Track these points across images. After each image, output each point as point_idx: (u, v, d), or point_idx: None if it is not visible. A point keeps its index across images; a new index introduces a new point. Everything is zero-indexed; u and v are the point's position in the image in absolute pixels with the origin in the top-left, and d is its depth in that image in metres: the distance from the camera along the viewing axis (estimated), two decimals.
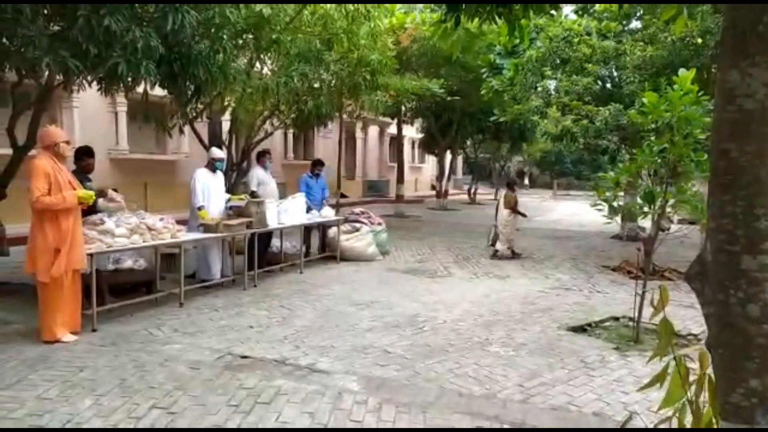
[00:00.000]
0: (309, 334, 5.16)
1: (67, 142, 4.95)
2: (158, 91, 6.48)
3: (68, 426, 3.26)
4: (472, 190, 26.08)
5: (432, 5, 13.53)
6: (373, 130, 26.05)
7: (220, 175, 7.44)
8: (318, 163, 9.70)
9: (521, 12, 3.58)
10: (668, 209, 5.22)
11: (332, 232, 9.35)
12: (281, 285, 7.30)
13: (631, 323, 5.53)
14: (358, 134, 24.34)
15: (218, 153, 7.55)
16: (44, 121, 6.96)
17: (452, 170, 26.88)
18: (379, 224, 10.00)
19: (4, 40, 4.83)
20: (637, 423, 3.49)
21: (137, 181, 12.30)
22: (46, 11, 5.00)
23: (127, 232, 5.40)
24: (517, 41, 10.88)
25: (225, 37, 6.12)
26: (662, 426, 1.87)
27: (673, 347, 1.79)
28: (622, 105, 10.66)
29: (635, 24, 12.23)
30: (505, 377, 4.24)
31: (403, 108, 17.78)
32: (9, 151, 6.47)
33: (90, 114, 11.85)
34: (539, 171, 47.49)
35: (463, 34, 4.04)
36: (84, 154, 6.02)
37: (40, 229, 4.69)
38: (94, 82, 5.75)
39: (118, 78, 5.13)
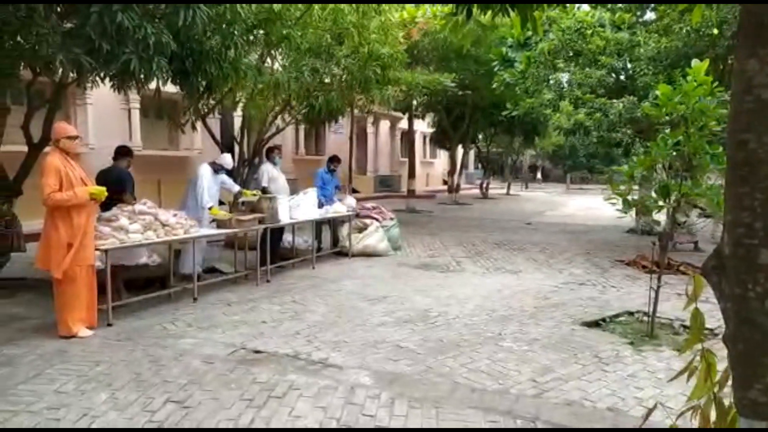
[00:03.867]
0: (321, 329, 5.18)
1: (72, 138, 4.91)
2: (170, 88, 6.52)
3: (84, 419, 3.30)
4: (484, 185, 25.96)
5: None
6: (384, 125, 26.01)
7: (220, 174, 7.39)
8: (335, 159, 9.78)
9: (534, 3, 3.54)
10: (683, 203, 5.15)
11: (345, 228, 9.36)
12: (293, 280, 7.33)
13: (645, 318, 5.48)
14: (369, 129, 24.31)
15: (229, 163, 7.51)
16: (59, 118, 7.03)
17: (464, 165, 26.76)
18: (391, 219, 10.00)
19: (18, 38, 4.88)
20: (657, 415, 3.45)
21: (151, 178, 12.37)
22: (59, 9, 5.04)
23: (141, 229, 5.45)
24: (530, 33, 10.81)
25: (236, 32, 6.12)
26: (681, 419, 1.85)
27: (702, 340, 1.76)
28: (636, 97, 10.53)
29: (649, 15, 12.06)
30: (518, 372, 4.23)
31: (414, 102, 17.71)
32: (24, 148, 6.54)
33: (104, 111, 11.95)
34: (552, 165, 47.15)
35: (475, 27, 4.01)
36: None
37: (53, 225, 4.74)
38: (107, 79, 5.79)
39: (130, 74, 5.16)
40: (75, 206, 4.77)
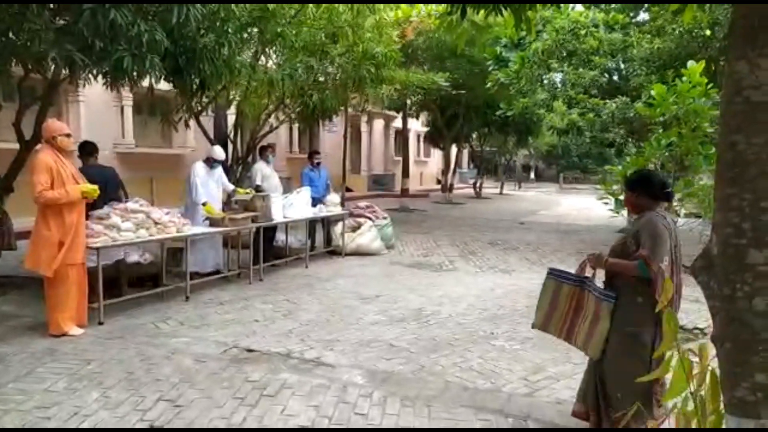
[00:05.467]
0: (314, 328, 5.18)
1: (68, 135, 4.92)
2: (164, 85, 6.48)
3: (74, 418, 3.29)
4: (478, 185, 25.98)
5: None
6: (379, 124, 25.99)
7: (216, 170, 7.36)
8: (314, 153, 9.74)
9: (528, 3, 3.55)
10: (675, 203, 5.18)
11: (338, 227, 9.35)
12: (286, 279, 7.32)
13: None
14: (363, 128, 24.28)
15: (220, 154, 7.37)
16: (50, 115, 6.98)
17: (457, 164, 26.77)
18: (384, 218, 10.00)
19: (11, 34, 4.84)
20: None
21: (143, 175, 12.32)
22: (51, 5, 5.00)
23: (133, 227, 5.42)
24: (524, 33, 10.84)
25: (230, 30, 6.10)
26: (662, 418, 1.86)
27: (678, 340, 1.78)
28: (629, 98, 10.59)
29: (643, 16, 12.13)
30: (510, 371, 4.25)
31: (408, 101, 17.69)
32: (16, 146, 6.50)
33: (96, 108, 11.87)
34: (545, 165, 47.30)
35: (469, 27, 4.02)
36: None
37: (45, 224, 4.71)
38: (100, 76, 5.75)
39: (123, 72, 5.13)
40: (66, 204, 4.74)
